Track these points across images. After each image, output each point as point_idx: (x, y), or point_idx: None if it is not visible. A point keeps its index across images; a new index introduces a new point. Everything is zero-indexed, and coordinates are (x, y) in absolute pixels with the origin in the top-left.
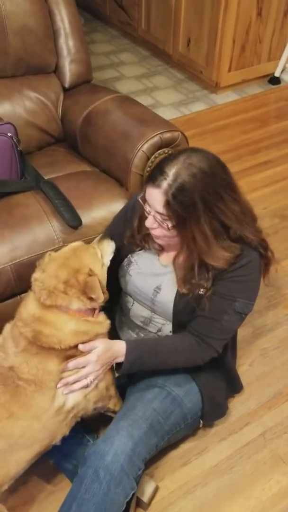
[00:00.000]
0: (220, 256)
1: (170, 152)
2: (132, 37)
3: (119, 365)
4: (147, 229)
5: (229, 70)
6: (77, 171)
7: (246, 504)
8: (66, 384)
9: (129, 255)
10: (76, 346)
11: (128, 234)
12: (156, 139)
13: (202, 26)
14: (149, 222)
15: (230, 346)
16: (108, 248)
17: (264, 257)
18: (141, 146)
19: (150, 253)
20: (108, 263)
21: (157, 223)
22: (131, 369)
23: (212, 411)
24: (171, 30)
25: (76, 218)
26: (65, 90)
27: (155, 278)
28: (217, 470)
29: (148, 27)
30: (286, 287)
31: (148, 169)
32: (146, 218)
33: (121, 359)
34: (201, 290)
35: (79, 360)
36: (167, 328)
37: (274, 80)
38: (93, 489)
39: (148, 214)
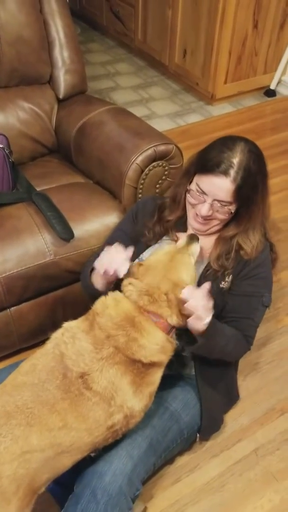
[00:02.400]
0: (256, 240)
1: (164, 165)
2: (128, 48)
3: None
4: (170, 216)
5: (225, 82)
6: (70, 182)
7: None
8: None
9: (140, 255)
10: (151, 364)
11: (148, 229)
12: (150, 151)
13: (198, 37)
14: (204, 210)
15: None
16: (196, 251)
17: (273, 252)
18: (135, 159)
19: (165, 243)
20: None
21: (212, 211)
22: (205, 346)
23: (209, 425)
24: (167, 41)
25: (68, 230)
26: (59, 100)
27: None
28: (208, 488)
29: (144, 37)
30: (280, 300)
31: (142, 181)
32: (194, 206)
33: (207, 319)
34: (222, 282)
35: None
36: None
37: (270, 93)
38: (89, 509)
39: (205, 203)
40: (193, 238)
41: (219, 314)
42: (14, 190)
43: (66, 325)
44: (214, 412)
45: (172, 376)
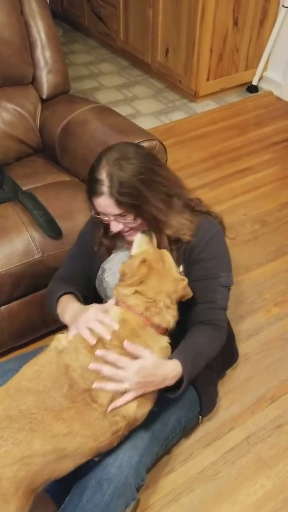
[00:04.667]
0: (179, 224)
1: None
2: (111, 48)
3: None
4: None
5: (208, 79)
6: (56, 181)
7: (232, 510)
8: (99, 371)
9: (101, 265)
10: None
11: (97, 245)
12: None
13: (179, 36)
14: (114, 227)
15: None
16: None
17: (219, 222)
18: None
19: (122, 251)
20: None
21: (121, 224)
22: (188, 384)
23: (209, 403)
24: (149, 40)
25: (55, 228)
26: (42, 101)
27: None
28: (202, 477)
29: (126, 37)
30: (267, 292)
31: None
32: (109, 227)
33: (171, 382)
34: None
35: (120, 357)
36: None
37: (252, 89)
38: (95, 500)
39: (110, 221)
40: (145, 233)
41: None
42: (0, 190)
43: (63, 337)
44: (210, 390)
45: None
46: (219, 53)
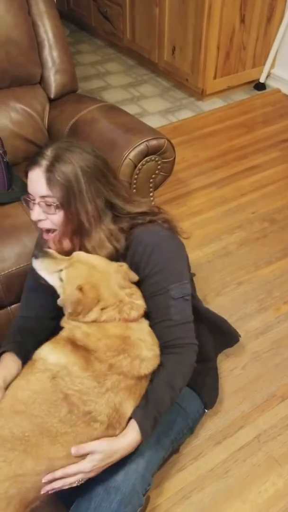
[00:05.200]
0: (101, 241)
1: (157, 160)
2: (117, 47)
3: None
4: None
5: (215, 77)
6: None
7: (243, 508)
8: (51, 480)
9: None
10: (145, 377)
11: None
12: (142, 146)
13: (186, 34)
14: (35, 214)
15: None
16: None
17: (171, 226)
18: (127, 154)
19: None
20: None
21: (42, 214)
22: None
23: (211, 395)
24: (155, 39)
25: None
26: (50, 100)
27: None
28: (213, 475)
29: (133, 36)
30: (276, 289)
31: (136, 176)
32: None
33: (132, 450)
34: None
35: (68, 470)
36: None
37: (260, 86)
38: (102, 507)
39: (33, 206)
40: (42, 256)
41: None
42: (9, 190)
43: (46, 353)
44: (208, 381)
45: None
46: (226, 51)
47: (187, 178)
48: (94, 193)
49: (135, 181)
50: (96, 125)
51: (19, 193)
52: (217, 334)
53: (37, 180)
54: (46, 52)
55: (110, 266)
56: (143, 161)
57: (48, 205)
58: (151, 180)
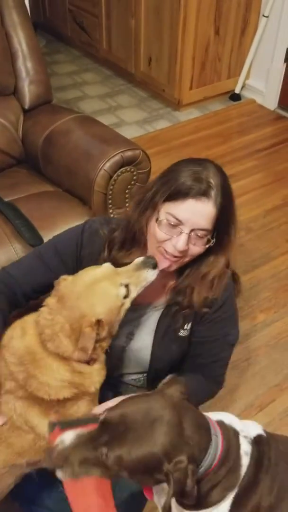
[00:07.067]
0: (219, 283)
1: (132, 170)
2: (94, 57)
3: None
4: (126, 259)
5: (191, 88)
6: (40, 191)
7: None
8: None
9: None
10: (66, 400)
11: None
12: (117, 157)
13: (162, 45)
14: (182, 243)
15: None
16: (144, 280)
17: (238, 284)
18: (103, 165)
19: (150, 309)
20: (133, 298)
21: (188, 244)
22: None
23: None
24: (132, 50)
25: (36, 237)
26: (25, 111)
27: (125, 323)
28: None
29: (109, 47)
30: (253, 298)
31: (111, 187)
32: (163, 241)
33: None
34: (181, 331)
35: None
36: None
37: (235, 97)
38: None
39: (177, 234)
40: (146, 263)
41: (178, 360)
42: None
43: None
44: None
45: None
46: (201, 62)
47: None
48: (235, 223)
49: (110, 191)
50: (71, 136)
51: None
52: None
53: (203, 214)
54: (20, 63)
55: (90, 303)
56: (118, 172)
57: (201, 240)
58: (127, 191)
